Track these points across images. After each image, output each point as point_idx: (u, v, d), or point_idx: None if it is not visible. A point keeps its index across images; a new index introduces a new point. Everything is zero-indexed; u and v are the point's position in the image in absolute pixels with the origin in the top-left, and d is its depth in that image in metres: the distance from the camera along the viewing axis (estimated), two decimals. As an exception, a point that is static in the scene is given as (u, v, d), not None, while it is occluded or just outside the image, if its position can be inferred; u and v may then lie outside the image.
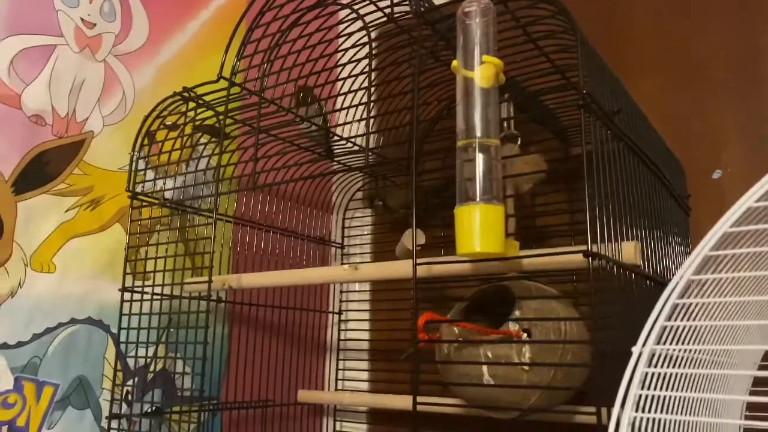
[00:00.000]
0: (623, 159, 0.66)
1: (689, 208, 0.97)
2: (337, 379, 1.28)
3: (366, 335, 1.28)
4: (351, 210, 1.34)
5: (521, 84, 0.88)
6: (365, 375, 1.27)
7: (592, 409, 0.55)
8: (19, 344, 0.89)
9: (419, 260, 0.67)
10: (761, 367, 0.71)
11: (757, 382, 0.70)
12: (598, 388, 0.56)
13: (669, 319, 0.49)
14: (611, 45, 1.10)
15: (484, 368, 0.72)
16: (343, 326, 1.30)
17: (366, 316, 1.28)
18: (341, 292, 1.32)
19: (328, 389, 1.28)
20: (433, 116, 1.15)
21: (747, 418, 0.71)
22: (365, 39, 0.77)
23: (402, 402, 1.03)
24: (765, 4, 0.99)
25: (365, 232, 1.32)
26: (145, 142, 1.00)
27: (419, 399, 0.67)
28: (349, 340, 1.29)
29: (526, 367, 0.70)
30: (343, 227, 1.34)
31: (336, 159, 1.10)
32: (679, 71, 1.05)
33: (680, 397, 0.50)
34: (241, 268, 1.13)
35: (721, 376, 0.59)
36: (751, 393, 0.71)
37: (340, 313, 1.31)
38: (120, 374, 0.97)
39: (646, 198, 0.73)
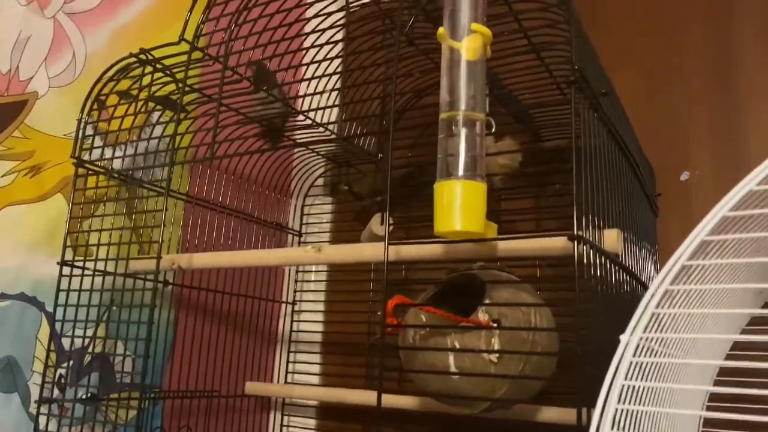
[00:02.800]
0: (607, 145, 0.63)
1: (658, 209, 0.96)
2: (287, 372, 1.23)
3: (320, 327, 1.23)
4: (311, 197, 1.29)
5: (497, 78, 0.85)
6: (317, 368, 1.22)
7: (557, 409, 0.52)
8: (-60, 318, 0.80)
9: (391, 241, 0.63)
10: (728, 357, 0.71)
11: (723, 372, 0.70)
12: (578, 377, 0.53)
13: (657, 306, 0.47)
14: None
15: (451, 358, 0.68)
16: (296, 317, 1.25)
17: (320, 307, 1.23)
18: (296, 281, 1.27)
19: (278, 382, 1.22)
20: (400, 107, 1.12)
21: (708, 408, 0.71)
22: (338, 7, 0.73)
23: (358, 397, 0.99)
24: (737, 6, 0.99)
25: (324, 221, 1.27)
26: (95, 107, 0.92)
27: (385, 397, 0.63)
28: (302, 331, 1.24)
29: (495, 359, 0.67)
30: (302, 214, 1.28)
31: (297, 140, 1.05)
32: (651, 69, 1.05)
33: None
34: (191, 250, 1.06)
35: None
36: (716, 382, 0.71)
37: (293, 303, 1.26)
38: (53, 355, 0.89)
39: (625, 189, 0.71)
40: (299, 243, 1.27)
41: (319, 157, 1.20)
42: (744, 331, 0.73)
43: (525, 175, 0.99)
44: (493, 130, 0.85)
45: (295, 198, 1.28)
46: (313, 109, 0.94)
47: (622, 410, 0.45)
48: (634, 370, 0.47)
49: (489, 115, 0.88)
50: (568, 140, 0.59)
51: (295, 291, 1.26)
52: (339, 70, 0.82)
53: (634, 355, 0.47)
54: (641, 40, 1.07)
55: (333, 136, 1.00)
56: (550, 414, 0.77)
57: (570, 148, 0.56)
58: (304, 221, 1.28)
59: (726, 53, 0.99)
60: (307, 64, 0.84)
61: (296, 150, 1.18)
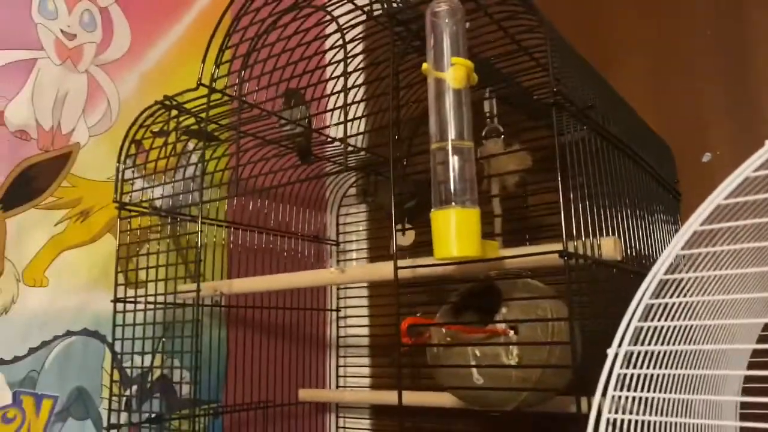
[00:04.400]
0: (601, 152, 0.65)
1: (679, 193, 0.96)
2: (338, 376, 1.29)
3: (365, 331, 1.28)
4: (345, 206, 1.34)
5: (504, 77, 0.87)
6: (366, 371, 1.27)
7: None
8: (16, 359, 0.89)
9: (401, 263, 0.67)
10: (761, 339, 0.69)
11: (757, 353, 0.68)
12: (579, 386, 0.55)
13: (645, 319, 0.49)
14: (595, 29, 1.09)
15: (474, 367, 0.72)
16: (341, 323, 1.31)
17: (364, 312, 1.28)
18: (338, 289, 1.32)
19: (329, 387, 1.28)
20: (422, 112, 1.15)
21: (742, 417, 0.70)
22: (340, 42, 0.77)
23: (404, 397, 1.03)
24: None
25: (360, 228, 1.32)
26: (132, 151, 1.00)
27: (413, 396, 0.67)
28: (349, 336, 1.30)
29: (515, 365, 0.70)
30: (338, 224, 1.34)
31: (325, 158, 1.10)
32: (664, 53, 1.04)
33: (664, 396, 0.50)
34: (236, 270, 1.13)
35: (710, 370, 0.59)
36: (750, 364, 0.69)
37: (338, 310, 1.31)
38: (117, 384, 0.98)
39: (628, 188, 0.72)
40: (337, 253, 1.32)
41: (341, 172, 1.24)
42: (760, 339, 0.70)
43: (544, 171, 1.00)
44: (502, 137, 0.88)
45: (330, 209, 1.33)
46: (328, 126, 0.98)
47: (614, 420, 0.47)
48: (625, 380, 0.49)
49: (498, 118, 0.91)
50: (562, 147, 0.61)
51: (338, 298, 1.32)
52: (342, 90, 0.86)
53: (626, 367, 0.49)
54: (652, 22, 1.06)
55: (342, 149, 1.04)
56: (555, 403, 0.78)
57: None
58: (340, 230, 1.33)
59: (740, 30, 0.97)
60: (322, 96, 0.88)
61: (326, 166, 1.23)
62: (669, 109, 1.00)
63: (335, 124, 0.85)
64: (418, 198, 1.14)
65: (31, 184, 0.94)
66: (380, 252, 1.26)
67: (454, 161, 0.59)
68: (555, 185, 0.96)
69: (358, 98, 0.91)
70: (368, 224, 1.32)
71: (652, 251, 0.78)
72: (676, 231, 0.92)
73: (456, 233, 0.57)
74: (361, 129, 0.99)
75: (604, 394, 0.49)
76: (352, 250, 1.32)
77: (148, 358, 0.99)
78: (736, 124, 0.95)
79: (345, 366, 1.29)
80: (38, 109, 0.96)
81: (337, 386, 1.28)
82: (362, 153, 1.10)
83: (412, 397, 0.94)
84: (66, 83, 1.00)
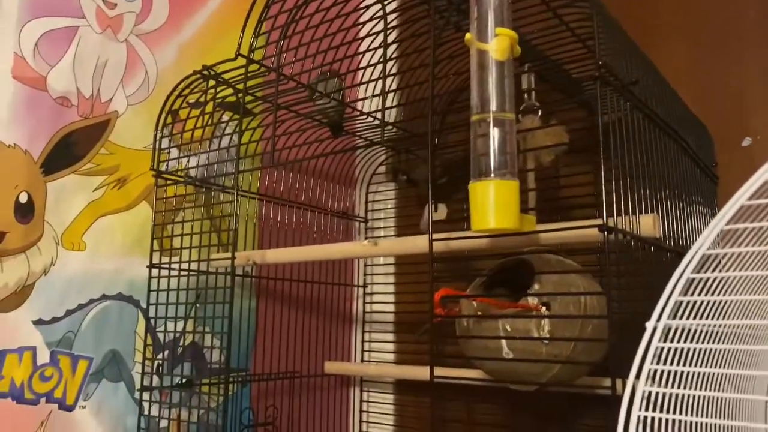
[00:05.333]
0: (643, 130, 0.64)
1: (717, 177, 0.94)
2: (363, 351, 1.30)
3: (391, 308, 1.29)
4: (374, 184, 1.35)
5: (542, 54, 0.86)
6: (391, 347, 1.28)
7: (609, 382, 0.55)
8: (54, 320, 0.92)
9: (436, 236, 0.67)
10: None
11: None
12: (615, 364, 0.55)
13: (685, 293, 0.48)
14: (637, 10, 1.07)
15: (504, 342, 0.72)
16: (368, 299, 1.32)
17: (390, 289, 1.29)
18: (366, 265, 1.33)
19: (354, 361, 1.30)
20: (455, 88, 1.14)
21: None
22: (380, 13, 0.77)
23: (424, 373, 1.04)
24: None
25: (389, 206, 1.32)
26: (168, 120, 1.01)
27: (440, 371, 0.68)
28: (375, 312, 1.31)
29: (546, 341, 0.70)
30: (367, 201, 1.34)
31: (355, 134, 1.10)
32: (706, 35, 1.02)
33: (700, 372, 0.50)
34: (267, 242, 1.15)
35: (747, 351, 0.58)
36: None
37: (365, 286, 1.32)
38: (150, 348, 1.00)
39: (668, 168, 0.72)
40: (365, 230, 1.33)
41: (378, 146, 1.25)
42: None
43: (580, 150, 1.00)
44: (540, 114, 0.87)
45: (360, 186, 1.34)
46: (360, 99, 0.98)
47: (651, 392, 0.47)
48: (666, 354, 0.49)
49: (536, 96, 0.90)
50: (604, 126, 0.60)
51: (365, 275, 1.32)
52: (382, 61, 0.86)
53: (666, 341, 0.49)
54: (692, 4, 1.04)
55: (379, 125, 1.04)
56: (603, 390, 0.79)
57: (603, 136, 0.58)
58: (369, 208, 1.34)
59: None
60: (357, 68, 0.88)
61: (357, 141, 1.24)
62: (710, 92, 0.98)
63: (372, 96, 0.85)
64: (449, 176, 1.15)
65: (71, 150, 0.96)
66: (408, 230, 1.26)
67: (494, 133, 0.59)
68: (592, 161, 0.96)
69: (394, 72, 0.90)
70: (396, 202, 1.32)
71: (688, 233, 0.78)
72: (713, 215, 0.91)
73: (495, 205, 0.57)
74: (395, 104, 0.99)
75: (640, 368, 0.49)
76: (380, 228, 1.33)
77: (180, 324, 1.01)
78: (778, 108, 0.93)
79: (370, 341, 1.30)
80: (79, 76, 0.98)
81: (362, 360, 1.29)
82: (395, 129, 1.10)
83: (440, 372, 0.94)
84: (106, 52, 1.01)
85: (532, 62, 0.87)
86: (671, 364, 0.49)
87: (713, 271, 0.49)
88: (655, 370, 0.48)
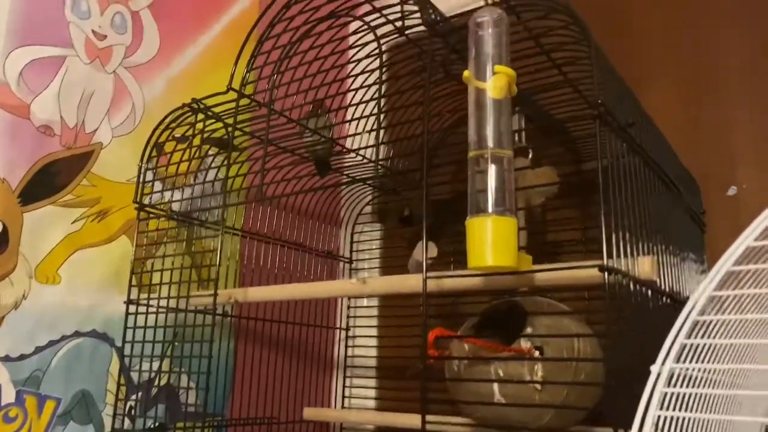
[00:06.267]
0: (639, 172, 0.64)
1: (704, 225, 0.95)
2: (343, 397, 1.26)
3: (374, 352, 1.26)
4: (360, 224, 1.33)
5: (532, 97, 0.87)
6: (372, 392, 1.24)
7: (608, 430, 0.53)
8: (22, 357, 0.87)
9: (429, 274, 0.66)
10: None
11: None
12: (612, 409, 0.54)
13: (689, 336, 0.47)
14: (623, 57, 1.08)
15: (495, 386, 0.70)
16: (350, 342, 1.29)
17: (374, 332, 1.26)
18: (349, 307, 1.30)
19: (335, 407, 1.25)
20: (444, 129, 1.14)
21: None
22: (377, 51, 0.77)
23: (409, 420, 1.01)
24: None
25: (374, 247, 1.30)
26: (154, 153, 0.99)
27: (429, 418, 0.65)
28: (357, 356, 1.27)
29: (539, 386, 0.68)
30: (352, 241, 1.32)
31: (343, 172, 1.09)
32: (692, 84, 1.04)
33: (701, 419, 0.48)
34: (248, 281, 1.12)
35: (738, 400, 0.57)
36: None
37: (347, 329, 1.29)
38: (123, 389, 0.95)
39: (661, 213, 0.71)
40: (350, 270, 1.31)
41: (366, 185, 1.24)
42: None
43: (568, 194, 1.00)
44: (530, 156, 0.87)
45: (345, 226, 1.32)
46: (350, 136, 0.98)
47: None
48: (671, 399, 0.48)
49: (528, 141, 0.90)
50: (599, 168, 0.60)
51: (348, 317, 1.30)
52: (376, 98, 0.85)
53: (669, 385, 0.48)
54: (677, 51, 1.06)
55: (369, 163, 1.03)
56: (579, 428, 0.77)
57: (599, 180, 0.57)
58: (354, 248, 1.32)
59: (766, 61, 0.97)
60: (347, 95, 0.87)
61: (343, 180, 1.23)
62: (696, 141, 1.00)
63: (363, 132, 0.84)
64: (436, 217, 1.14)
65: (51, 180, 0.93)
66: (393, 271, 1.24)
67: (492, 170, 0.59)
68: (580, 204, 0.96)
69: (385, 110, 0.90)
70: (382, 243, 1.30)
71: (680, 278, 0.77)
72: (701, 262, 0.91)
73: (492, 242, 0.56)
74: (386, 143, 0.98)
75: (644, 415, 0.47)
76: (365, 268, 1.30)
77: (156, 364, 0.97)
78: (763, 158, 0.95)
79: (351, 387, 1.26)
80: (64, 105, 0.96)
81: (343, 406, 1.25)
82: (382, 167, 1.09)
83: (430, 419, 0.91)
84: (93, 82, 1.00)
85: (522, 104, 0.88)
86: (674, 409, 0.48)
87: (716, 313, 0.48)
88: (661, 417, 0.46)
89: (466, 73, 0.61)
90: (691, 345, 0.48)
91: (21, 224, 0.89)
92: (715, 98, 1.01)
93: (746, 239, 0.43)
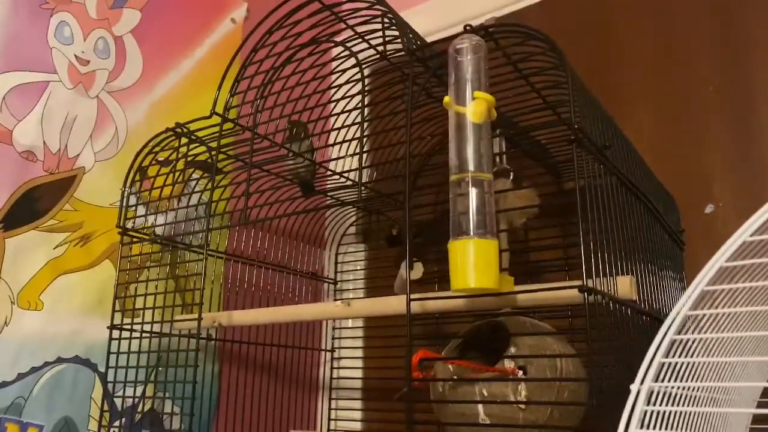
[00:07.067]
0: (616, 193, 0.65)
1: (683, 243, 0.97)
2: (329, 419, 1.25)
3: (359, 373, 1.26)
4: (344, 245, 1.34)
5: (513, 120, 0.88)
6: (358, 414, 1.24)
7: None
8: (3, 384, 0.86)
9: (413, 296, 0.66)
10: (760, 404, 0.70)
11: (757, 419, 0.69)
12: (596, 428, 0.54)
13: (667, 355, 0.48)
14: (601, 79, 1.12)
15: (480, 407, 0.70)
16: (335, 364, 1.28)
17: (359, 353, 1.26)
18: (334, 329, 1.30)
19: (321, 429, 1.25)
20: (426, 152, 1.16)
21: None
22: (358, 75, 0.78)
23: (397, 442, 1.01)
24: (747, 38, 1.00)
25: (358, 268, 1.31)
26: (137, 177, 0.99)
27: (413, 439, 0.65)
28: (342, 378, 1.27)
29: (523, 406, 0.69)
30: (336, 263, 1.33)
31: (327, 194, 1.10)
32: (669, 105, 1.06)
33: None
34: (233, 304, 1.11)
35: (720, 415, 0.58)
36: (751, 431, 0.70)
37: (332, 350, 1.29)
38: (107, 415, 0.94)
39: (639, 232, 0.73)
40: (335, 291, 1.31)
41: (350, 207, 1.25)
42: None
43: (549, 215, 1.01)
44: (511, 178, 0.89)
45: (329, 247, 1.33)
46: (334, 159, 0.99)
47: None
48: (651, 417, 0.49)
49: (509, 163, 0.92)
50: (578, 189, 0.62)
51: (333, 338, 1.29)
52: (359, 122, 0.86)
53: (649, 404, 0.48)
54: (657, 77, 1.09)
55: (353, 185, 1.04)
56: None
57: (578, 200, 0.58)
58: (338, 269, 1.32)
59: (743, 83, 1.00)
60: (331, 129, 0.88)
61: (328, 202, 1.23)
62: (673, 160, 1.02)
63: (347, 156, 0.85)
64: (421, 237, 1.15)
65: (33, 206, 0.93)
66: (378, 293, 1.25)
67: (473, 193, 0.59)
68: (560, 225, 0.97)
69: (368, 134, 0.91)
70: (366, 264, 1.31)
71: (660, 298, 0.78)
72: (680, 280, 0.93)
73: (474, 264, 0.57)
74: (370, 166, 0.99)
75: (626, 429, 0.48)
76: (349, 290, 1.31)
77: (140, 389, 0.96)
78: (739, 176, 0.97)
79: (337, 409, 1.26)
80: (46, 131, 0.96)
81: (329, 428, 1.24)
82: (366, 189, 1.10)
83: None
84: (76, 107, 1.00)
85: (503, 127, 0.89)
86: (654, 428, 0.48)
87: (693, 332, 0.49)
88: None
89: (446, 98, 0.62)
90: (670, 363, 0.49)
91: (3, 250, 0.89)
92: (690, 121, 1.03)
93: (718, 261, 0.44)
